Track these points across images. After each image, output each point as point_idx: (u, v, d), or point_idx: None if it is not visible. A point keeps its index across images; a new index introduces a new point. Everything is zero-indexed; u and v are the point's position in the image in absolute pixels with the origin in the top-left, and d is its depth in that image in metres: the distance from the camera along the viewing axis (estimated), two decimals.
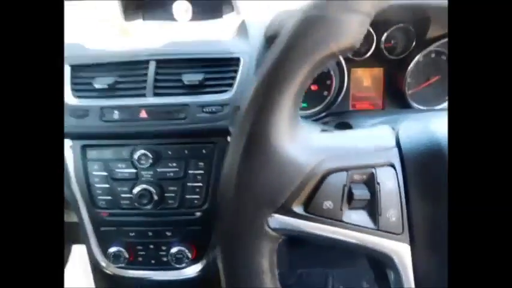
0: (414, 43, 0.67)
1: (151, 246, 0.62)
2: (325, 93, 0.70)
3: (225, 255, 0.33)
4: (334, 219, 0.32)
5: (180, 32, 0.75)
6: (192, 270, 0.63)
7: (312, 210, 0.32)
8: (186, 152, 0.59)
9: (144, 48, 0.63)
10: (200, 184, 0.60)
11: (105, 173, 0.60)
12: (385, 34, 0.67)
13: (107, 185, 0.60)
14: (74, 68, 0.61)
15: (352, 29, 0.31)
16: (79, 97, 0.60)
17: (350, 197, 0.32)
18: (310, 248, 1.18)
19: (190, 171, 0.59)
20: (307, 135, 0.34)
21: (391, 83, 0.72)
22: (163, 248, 0.62)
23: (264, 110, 0.31)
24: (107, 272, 0.64)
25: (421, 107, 0.70)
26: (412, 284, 0.32)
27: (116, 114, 0.58)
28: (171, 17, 0.77)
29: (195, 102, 0.58)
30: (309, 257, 1.17)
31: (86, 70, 0.61)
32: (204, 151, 0.59)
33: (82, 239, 0.65)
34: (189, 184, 0.60)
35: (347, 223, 0.32)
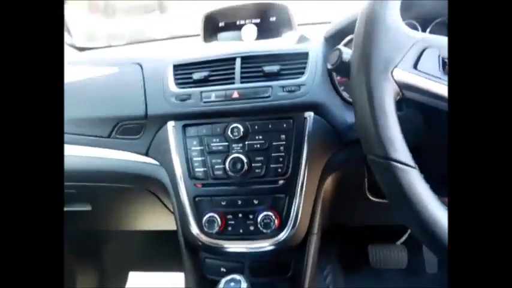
0: None
1: (240, 215, 0.68)
2: None
3: (360, 102, 0.43)
4: (435, 76, 0.43)
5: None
6: (279, 237, 0.67)
7: (420, 68, 0.43)
8: (269, 126, 0.69)
9: (230, 48, 0.77)
10: (282, 154, 0.68)
11: (201, 147, 0.70)
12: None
13: (203, 158, 0.69)
14: (176, 66, 0.76)
15: None
16: (181, 87, 0.73)
17: (444, 64, 0.43)
18: (367, 276, 1.18)
19: (273, 143, 0.68)
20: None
21: None
22: (251, 216, 0.68)
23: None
24: (199, 243, 0.69)
25: None
26: None
27: (213, 96, 0.70)
28: (240, 38, 0.94)
29: (277, 84, 0.70)
30: (368, 286, 1.16)
31: (185, 68, 0.75)
32: (284, 125, 0.69)
33: (176, 213, 0.72)
34: (273, 154, 0.68)
35: (444, 80, 0.43)
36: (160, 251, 1.25)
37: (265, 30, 0.93)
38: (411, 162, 0.41)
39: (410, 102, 0.47)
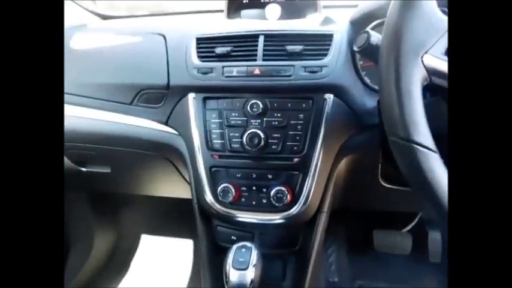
0: None
1: (254, 188, 0.71)
2: None
3: (387, 85, 0.44)
4: None
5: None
6: (290, 211, 0.70)
7: None
8: (289, 105, 0.70)
9: (253, 26, 0.78)
10: (299, 133, 0.69)
11: (220, 120, 0.72)
12: None
13: (221, 130, 0.71)
14: (199, 39, 0.77)
15: None
16: (203, 61, 0.74)
17: None
18: (370, 259, 1.21)
19: (291, 122, 0.70)
20: None
21: None
22: (264, 190, 0.70)
23: None
24: (212, 211, 0.72)
25: None
26: None
27: (235, 72, 0.71)
28: (263, 17, 0.94)
29: (299, 63, 0.70)
30: (371, 269, 1.19)
31: (208, 42, 0.76)
32: (304, 105, 0.70)
33: (192, 182, 0.75)
34: (290, 132, 0.70)
35: None
36: (172, 217, 1.30)
37: (289, 10, 0.92)
38: (433, 146, 0.42)
39: (435, 90, 0.47)
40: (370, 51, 0.53)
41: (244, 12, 0.94)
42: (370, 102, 0.71)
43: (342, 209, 0.88)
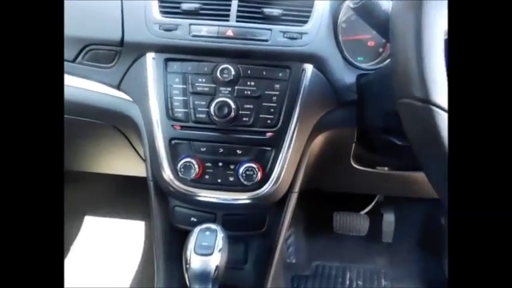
0: None
1: (220, 164, 0.63)
2: (381, 49, 0.77)
3: (403, 36, 0.39)
4: None
5: None
6: (259, 191, 0.64)
7: None
8: (264, 73, 0.63)
9: None
10: (274, 105, 0.63)
11: (184, 86, 0.62)
12: None
13: (185, 98, 0.62)
14: None
15: None
16: (167, 17, 0.63)
17: None
18: (328, 241, 1.21)
19: (266, 92, 0.63)
20: None
21: None
22: (232, 166, 0.63)
23: None
24: (170, 189, 0.64)
25: None
26: None
27: (204, 31, 0.62)
28: None
29: (277, 28, 0.63)
30: (326, 250, 1.20)
31: None
32: (280, 74, 0.63)
33: (147, 156, 0.66)
34: (264, 104, 0.63)
35: None
36: (120, 196, 1.17)
37: None
38: None
39: None
40: (368, 9, 0.47)
41: None
42: (349, 77, 0.66)
43: (304, 190, 0.85)
